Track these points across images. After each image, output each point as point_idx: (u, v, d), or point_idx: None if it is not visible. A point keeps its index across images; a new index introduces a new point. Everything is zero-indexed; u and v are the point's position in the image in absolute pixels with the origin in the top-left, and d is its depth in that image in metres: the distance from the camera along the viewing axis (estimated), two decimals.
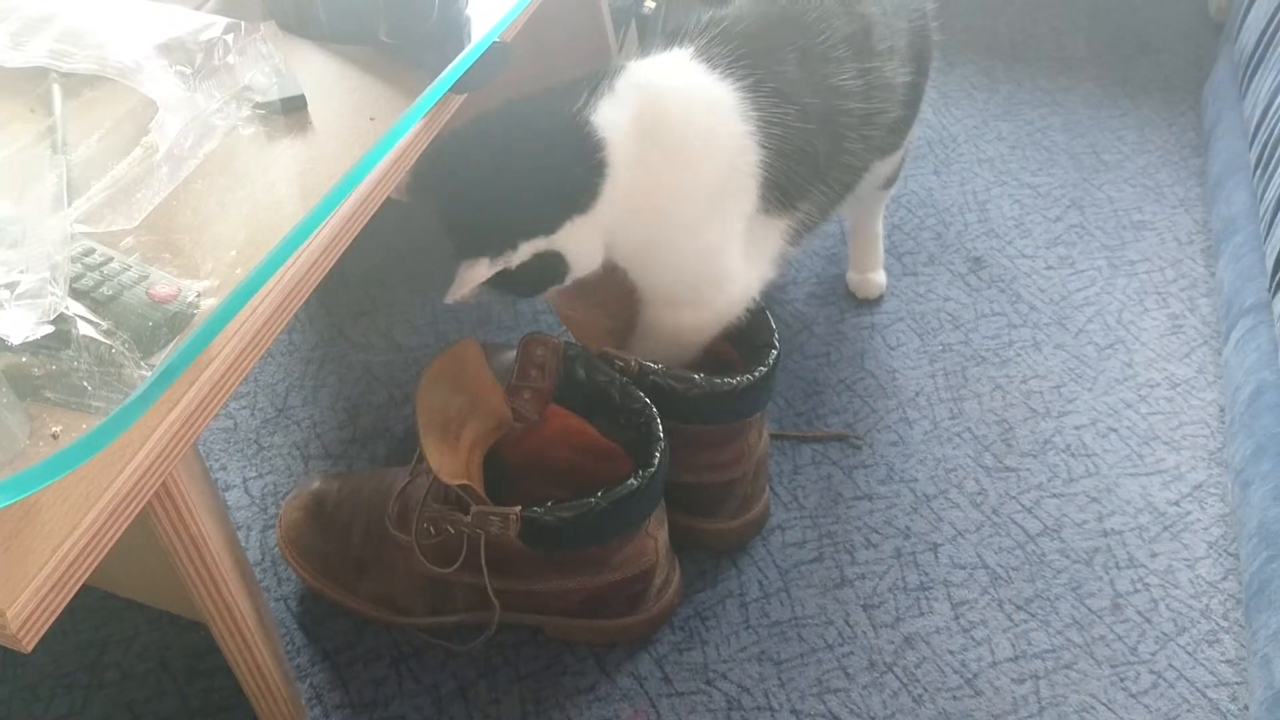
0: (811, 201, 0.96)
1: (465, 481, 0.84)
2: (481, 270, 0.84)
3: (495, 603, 0.89)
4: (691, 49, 0.91)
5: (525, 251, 0.85)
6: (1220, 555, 1.05)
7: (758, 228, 0.93)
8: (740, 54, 0.90)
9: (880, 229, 1.29)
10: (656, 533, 0.92)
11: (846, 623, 0.99)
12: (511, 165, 0.85)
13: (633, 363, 0.93)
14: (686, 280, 0.94)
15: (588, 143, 0.84)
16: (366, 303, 1.31)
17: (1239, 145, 1.39)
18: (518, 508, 0.84)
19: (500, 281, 0.87)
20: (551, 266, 0.87)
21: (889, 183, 1.21)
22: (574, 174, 0.84)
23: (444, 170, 0.86)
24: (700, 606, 1.00)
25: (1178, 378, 1.23)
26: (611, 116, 0.85)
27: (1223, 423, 1.17)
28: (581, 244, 0.87)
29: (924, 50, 1.08)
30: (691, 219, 0.90)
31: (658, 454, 0.87)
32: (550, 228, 0.85)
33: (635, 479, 0.85)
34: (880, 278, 1.31)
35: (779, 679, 0.95)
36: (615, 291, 0.98)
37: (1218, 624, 0.99)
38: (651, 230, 0.89)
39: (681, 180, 0.88)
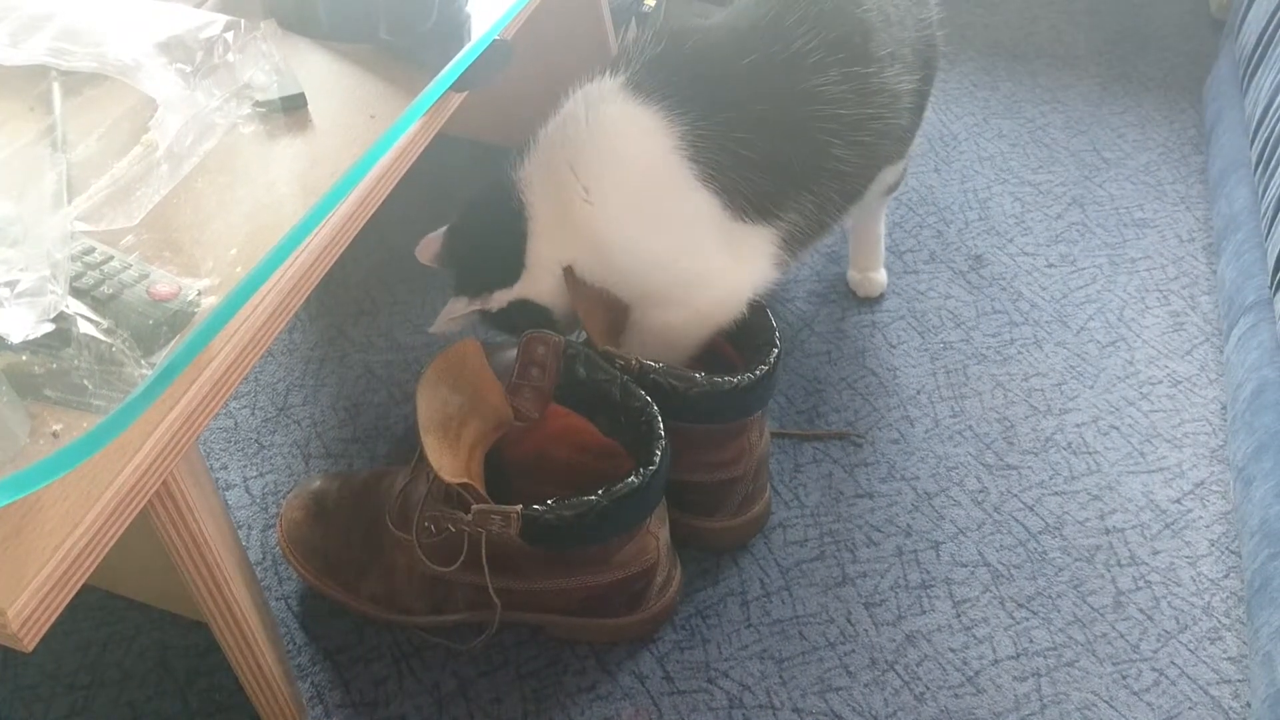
0: (797, 210, 0.95)
1: (466, 480, 0.84)
2: (460, 306, 0.98)
3: (496, 601, 0.89)
4: (619, 77, 0.92)
5: (501, 299, 0.97)
6: (1222, 553, 1.05)
7: (739, 233, 0.94)
8: (670, 73, 0.91)
9: (882, 229, 1.29)
10: (658, 531, 0.92)
11: (848, 621, 0.99)
12: (471, 226, 1.00)
13: (633, 361, 0.93)
14: (662, 283, 0.95)
15: (510, 207, 0.95)
16: (367, 302, 1.31)
17: (1240, 142, 1.39)
18: (519, 506, 0.84)
19: (495, 321, 1.00)
20: (532, 310, 0.97)
21: (892, 189, 1.21)
22: (503, 240, 0.95)
23: (456, 225, 1.01)
24: (702, 605, 1.00)
25: (1179, 375, 1.23)
26: (529, 173, 0.94)
27: (1224, 420, 1.17)
28: (546, 292, 0.96)
29: (930, 59, 1.07)
30: (636, 238, 0.93)
31: (659, 452, 0.87)
32: (507, 282, 0.97)
33: (636, 477, 0.85)
34: (881, 276, 1.31)
35: (780, 677, 0.95)
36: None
37: (1220, 621, 0.99)
38: (607, 254, 0.94)
39: (612, 206, 0.91)
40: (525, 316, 0.97)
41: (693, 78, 0.90)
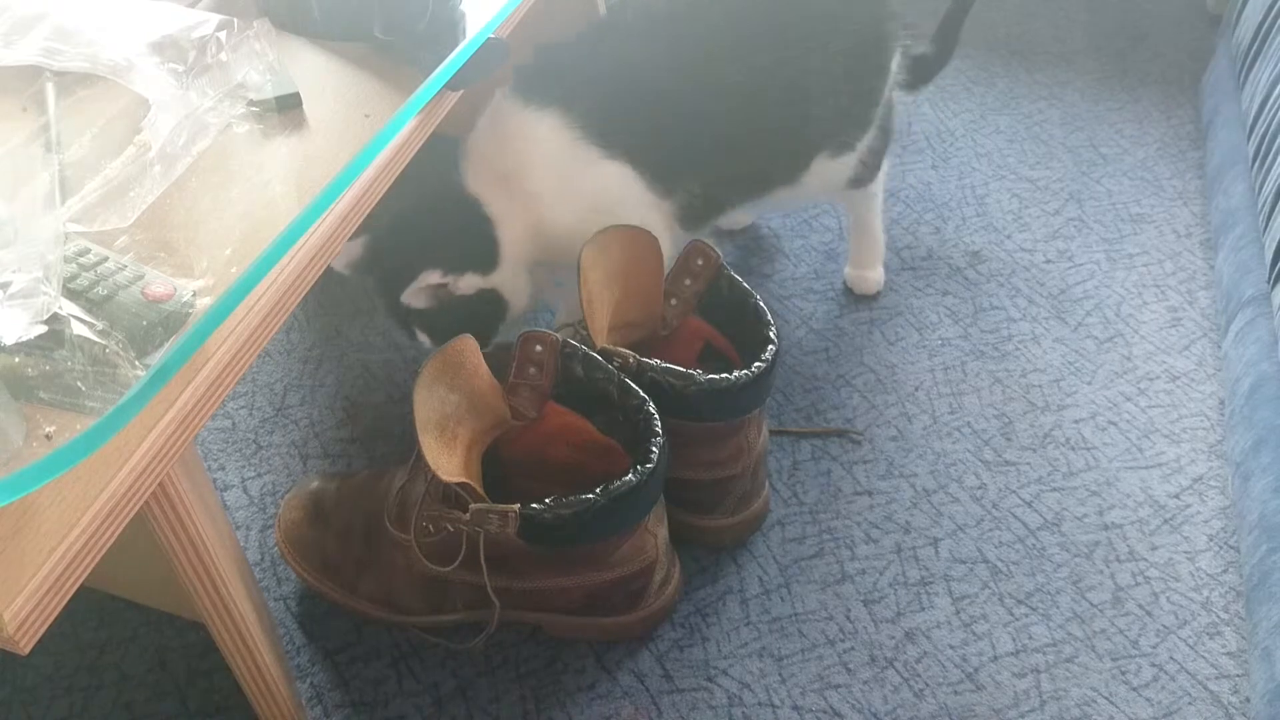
0: (701, 183, 1.05)
1: (464, 480, 0.84)
2: (433, 277, 0.98)
3: (495, 601, 0.88)
4: (515, 92, 1.01)
5: (471, 283, 1.00)
6: (1221, 548, 1.05)
7: (653, 193, 1.04)
8: (562, 76, 1.00)
9: (879, 226, 1.29)
10: (656, 529, 0.92)
11: (847, 618, 0.99)
12: (437, 211, 1.03)
13: (631, 359, 0.93)
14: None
15: (478, 212, 1.01)
16: (364, 301, 1.30)
17: (1237, 137, 1.39)
18: (516, 505, 0.84)
19: (434, 318, 1.02)
20: (490, 305, 1.02)
21: (857, 183, 1.20)
22: (475, 233, 1.01)
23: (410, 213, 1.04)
24: (700, 603, 1.00)
25: (1177, 370, 1.23)
26: (479, 184, 1.02)
27: (1223, 415, 1.17)
28: (511, 290, 1.03)
29: (875, 56, 1.09)
30: (580, 215, 1.01)
31: (656, 451, 0.87)
32: (483, 269, 1.01)
33: (634, 476, 0.85)
34: (877, 274, 1.31)
35: (780, 675, 0.94)
36: (637, 280, 0.99)
37: (1219, 617, 0.99)
38: (564, 239, 1.01)
39: (553, 198, 1.01)
40: (478, 311, 1.01)
41: (581, 78, 1.00)
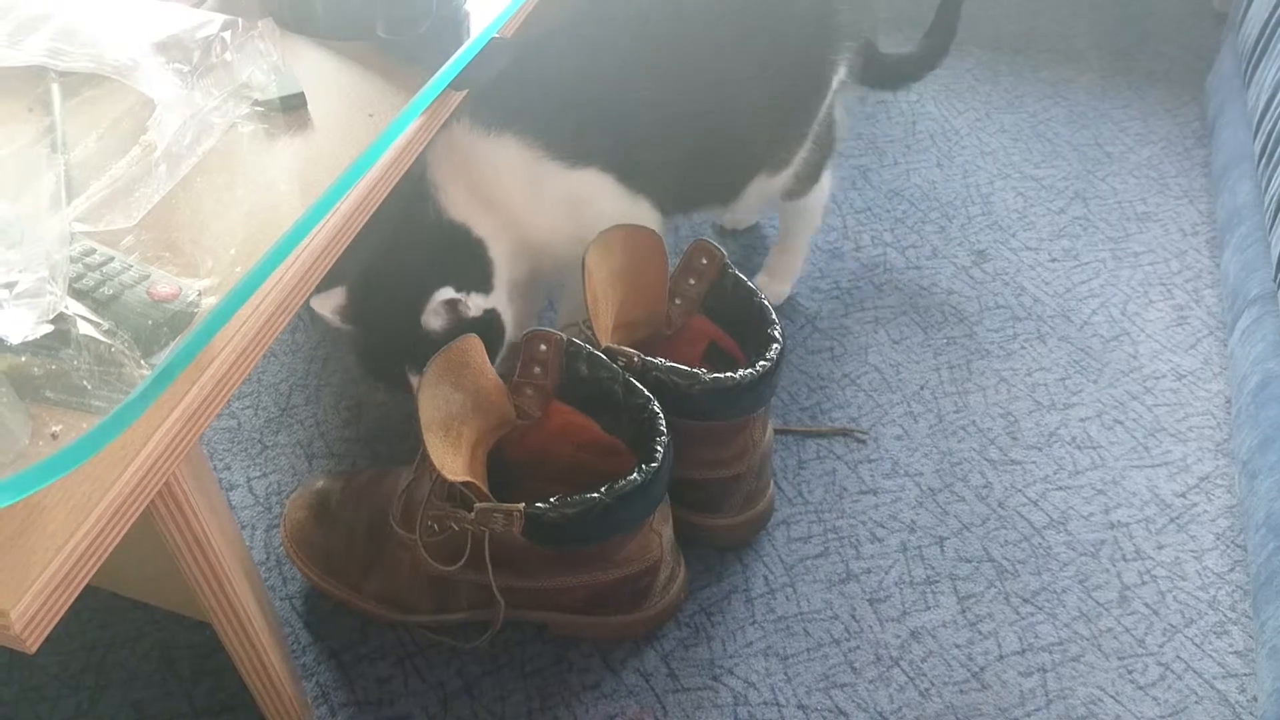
0: (662, 185, 1.05)
1: (468, 479, 0.84)
2: (448, 293, 0.94)
3: (500, 600, 0.89)
4: (465, 121, 0.99)
5: (478, 303, 0.98)
6: (1228, 546, 1.04)
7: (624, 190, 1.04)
8: (512, 97, 0.99)
9: (804, 245, 1.29)
10: (661, 529, 0.92)
11: (853, 617, 0.99)
12: (434, 240, 1.00)
13: (635, 358, 0.93)
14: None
15: (469, 238, 0.99)
16: None
17: (1243, 136, 1.38)
18: (521, 505, 0.84)
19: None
20: (491, 328, 1.00)
21: (790, 196, 1.20)
22: (471, 258, 1.00)
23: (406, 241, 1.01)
24: (706, 602, 1.00)
25: (1183, 369, 1.22)
26: (462, 211, 1.00)
27: (1229, 414, 1.17)
28: (505, 310, 1.02)
29: (814, 76, 1.10)
30: (563, 226, 1.02)
31: (661, 450, 0.87)
32: (484, 290, 0.99)
33: (639, 475, 0.85)
34: (784, 289, 1.30)
35: (785, 674, 0.94)
36: (642, 279, 0.99)
37: (1225, 615, 0.99)
38: (554, 251, 1.03)
39: (536, 216, 1.01)
40: (481, 335, 0.99)
41: (530, 96, 1.00)
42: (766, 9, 1.05)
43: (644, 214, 1.05)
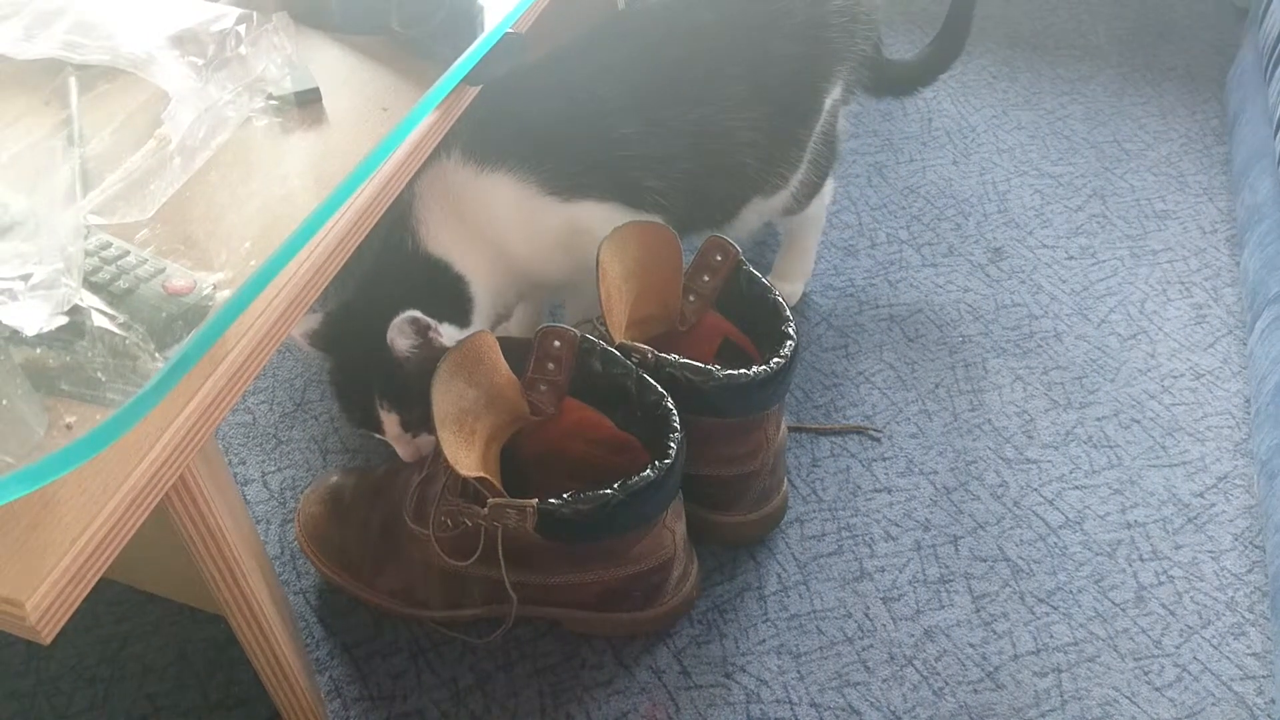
0: (663, 209, 1.04)
1: (482, 474, 0.84)
2: (417, 312, 0.91)
3: (513, 596, 0.88)
4: (457, 152, 0.98)
5: (451, 334, 0.95)
6: (1246, 547, 1.03)
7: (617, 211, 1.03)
8: (506, 131, 0.98)
9: (812, 246, 1.28)
10: (674, 525, 0.92)
11: (866, 616, 0.98)
12: (411, 272, 0.98)
13: (649, 355, 0.92)
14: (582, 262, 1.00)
15: (450, 275, 0.98)
16: None
17: (1263, 132, 1.37)
18: (534, 500, 0.84)
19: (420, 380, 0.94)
20: None
21: (790, 212, 1.19)
22: (451, 292, 0.99)
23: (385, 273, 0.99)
24: (718, 600, 0.99)
25: (1202, 368, 1.21)
26: (448, 248, 0.98)
27: (1248, 414, 1.16)
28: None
29: (806, 101, 1.09)
30: (559, 259, 1.02)
31: (674, 446, 0.87)
32: (459, 323, 0.98)
33: (652, 471, 0.85)
34: (795, 288, 1.30)
35: (798, 672, 0.94)
36: (656, 275, 0.99)
37: (1243, 617, 0.98)
38: (549, 278, 1.05)
39: (535, 249, 1.01)
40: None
41: (523, 129, 0.99)
42: (752, 38, 1.04)
43: None
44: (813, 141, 1.13)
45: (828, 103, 1.12)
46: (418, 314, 0.89)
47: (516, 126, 0.98)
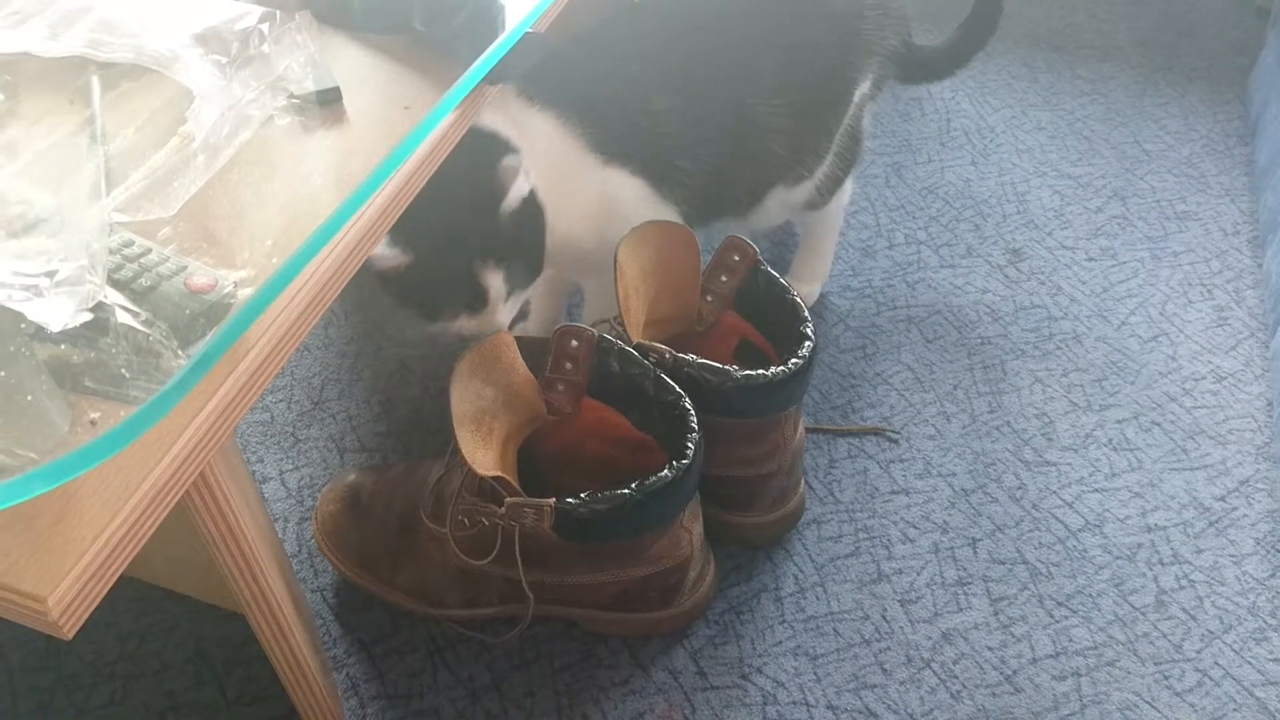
0: (688, 197, 1.06)
1: (499, 474, 0.84)
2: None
3: (530, 595, 0.88)
4: (517, 91, 0.98)
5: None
6: (1268, 552, 1.02)
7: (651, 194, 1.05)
8: (564, 77, 0.99)
9: (830, 247, 1.28)
10: (691, 526, 0.92)
11: (883, 618, 0.98)
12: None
13: (667, 355, 0.92)
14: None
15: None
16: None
17: None
18: (552, 500, 0.84)
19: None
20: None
21: (811, 207, 1.19)
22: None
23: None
24: (735, 601, 0.99)
25: (1224, 371, 1.20)
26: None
27: (1270, 417, 1.15)
28: None
29: (835, 89, 1.09)
30: (574, 214, 1.01)
31: (692, 446, 0.86)
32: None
33: (669, 471, 0.85)
34: (813, 289, 1.29)
35: (815, 674, 0.94)
36: (674, 275, 0.99)
37: (1265, 622, 0.97)
38: (578, 244, 1.03)
39: (564, 210, 1.00)
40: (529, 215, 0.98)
41: (580, 81, 1.00)
42: (787, 26, 1.05)
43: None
44: (840, 134, 1.12)
45: (857, 95, 1.12)
46: (516, 156, 0.91)
47: (566, 77, 0.99)
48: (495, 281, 0.93)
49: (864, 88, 1.13)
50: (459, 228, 0.92)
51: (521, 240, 0.95)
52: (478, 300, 0.94)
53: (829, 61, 1.07)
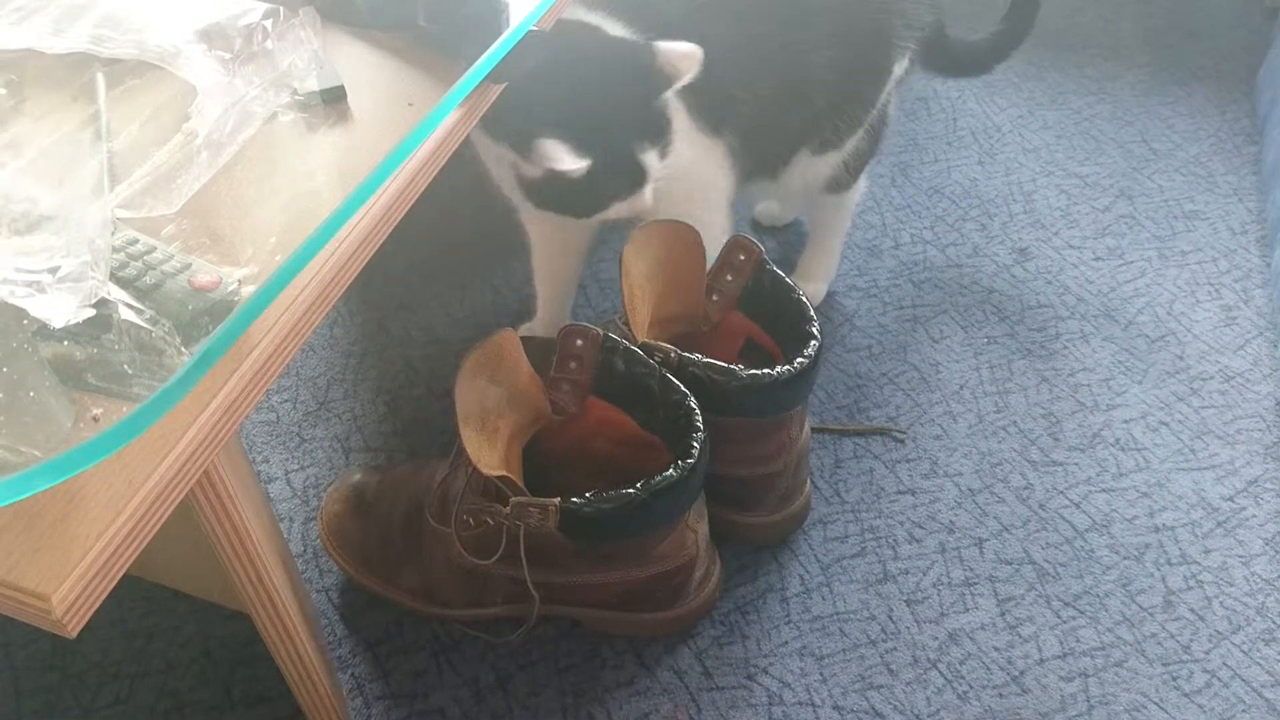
0: (731, 138, 1.06)
1: (504, 473, 0.83)
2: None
3: (535, 595, 0.88)
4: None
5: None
6: (1277, 552, 1.02)
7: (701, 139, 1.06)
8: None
9: (838, 244, 1.27)
10: (696, 526, 0.91)
11: (889, 618, 0.97)
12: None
13: (672, 354, 0.92)
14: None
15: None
16: (407, 296, 1.31)
17: None
18: (557, 499, 0.84)
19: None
20: None
21: (834, 187, 1.18)
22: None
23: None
24: (741, 601, 0.99)
25: (1231, 370, 1.20)
26: None
27: (1279, 417, 1.14)
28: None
29: (877, 56, 1.08)
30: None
31: (697, 446, 0.86)
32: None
33: (675, 471, 0.84)
34: (819, 289, 1.29)
35: (821, 674, 0.93)
36: (679, 275, 0.99)
37: (1274, 623, 0.96)
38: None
39: None
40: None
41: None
42: None
43: (717, 161, 1.06)
44: (875, 108, 1.12)
45: (896, 69, 1.11)
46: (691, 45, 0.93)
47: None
48: (651, 159, 0.97)
49: (903, 63, 1.12)
50: (624, 120, 0.95)
51: (664, 115, 0.98)
52: (637, 180, 0.97)
53: (876, 26, 1.07)
